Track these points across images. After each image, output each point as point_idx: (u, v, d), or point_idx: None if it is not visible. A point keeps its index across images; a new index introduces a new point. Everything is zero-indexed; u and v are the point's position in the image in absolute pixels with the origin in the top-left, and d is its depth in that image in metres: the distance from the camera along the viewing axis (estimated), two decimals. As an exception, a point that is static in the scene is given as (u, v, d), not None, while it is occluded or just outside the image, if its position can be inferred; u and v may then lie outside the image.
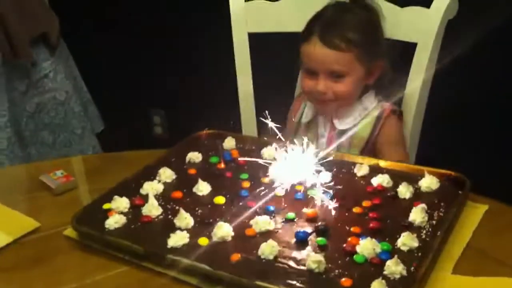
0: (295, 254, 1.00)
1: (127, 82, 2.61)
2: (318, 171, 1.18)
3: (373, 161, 1.26)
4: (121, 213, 1.12)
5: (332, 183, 1.17)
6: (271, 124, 1.21)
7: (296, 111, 1.57)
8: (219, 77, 1.72)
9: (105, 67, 2.58)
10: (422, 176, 1.18)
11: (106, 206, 1.14)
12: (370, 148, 1.45)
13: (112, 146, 1.84)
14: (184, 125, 2.25)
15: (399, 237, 1.01)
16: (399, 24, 1.48)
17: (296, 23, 1.51)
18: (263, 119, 1.21)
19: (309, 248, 1.01)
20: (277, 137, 1.22)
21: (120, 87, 2.62)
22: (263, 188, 1.17)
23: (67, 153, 2.06)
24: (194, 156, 1.32)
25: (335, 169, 1.20)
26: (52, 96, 1.97)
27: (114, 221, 1.08)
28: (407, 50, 1.46)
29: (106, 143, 2.22)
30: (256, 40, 1.62)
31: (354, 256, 0.98)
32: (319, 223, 1.06)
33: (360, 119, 1.46)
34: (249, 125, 1.65)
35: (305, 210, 1.10)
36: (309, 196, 1.15)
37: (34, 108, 1.95)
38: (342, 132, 1.46)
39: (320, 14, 1.45)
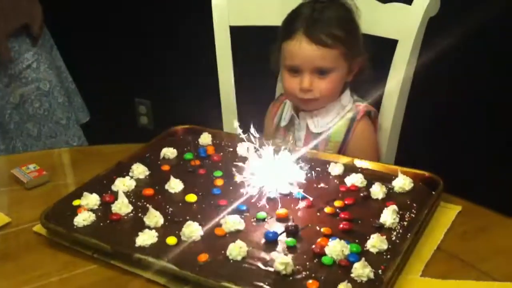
0: (264, 255, 0.99)
1: (113, 72, 2.59)
2: (292, 170, 1.17)
3: (348, 159, 1.25)
4: (91, 210, 1.11)
5: (306, 182, 1.16)
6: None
7: (274, 115, 1.56)
8: (206, 67, 1.70)
9: (91, 57, 2.55)
10: (396, 176, 1.17)
11: (76, 202, 1.13)
12: (345, 151, 1.43)
13: (98, 137, 1.82)
14: (170, 115, 2.24)
15: (369, 238, 1.01)
16: (380, 20, 1.46)
17: (279, 17, 1.48)
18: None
19: (278, 249, 1.01)
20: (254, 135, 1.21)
21: (106, 77, 2.60)
22: (236, 186, 1.16)
23: (52, 144, 2.04)
24: (169, 152, 1.30)
25: (309, 168, 1.19)
26: (36, 87, 1.95)
27: (83, 219, 1.07)
28: (387, 47, 1.45)
29: (92, 133, 2.20)
30: (238, 33, 1.60)
31: (323, 258, 0.97)
32: (290, 224, 1.05)
33: (337, 120, 1.45)
34: (229, 120, 1.63)
35: (276, 210, 1.09)
36: (281, 196, 1.13)
37: (18, 99, 1.93)
38: (318, 135, 1.45)
39: (298, 12, 1.43)
